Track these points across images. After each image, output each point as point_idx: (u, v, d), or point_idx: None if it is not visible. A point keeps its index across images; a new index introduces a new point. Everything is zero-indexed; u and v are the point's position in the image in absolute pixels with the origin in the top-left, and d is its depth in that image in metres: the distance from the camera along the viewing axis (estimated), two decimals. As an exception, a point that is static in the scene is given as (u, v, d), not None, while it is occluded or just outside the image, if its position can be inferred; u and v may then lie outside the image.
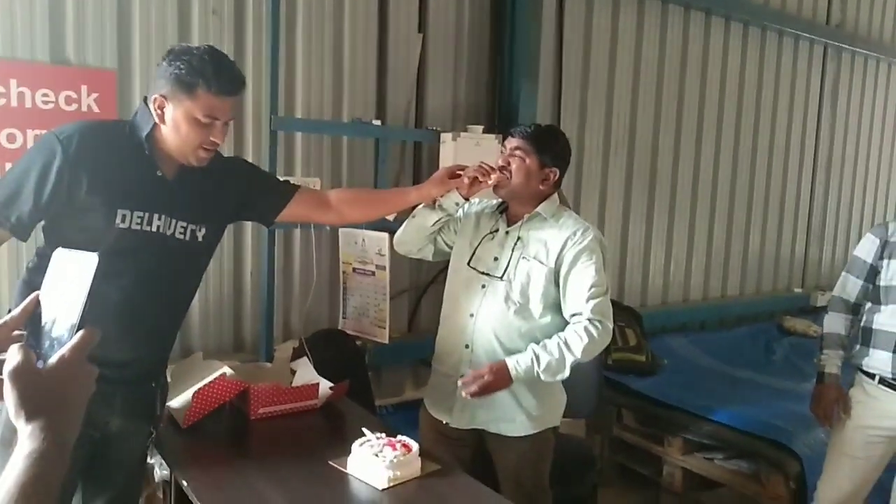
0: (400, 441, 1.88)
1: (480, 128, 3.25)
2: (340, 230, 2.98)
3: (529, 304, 2.09)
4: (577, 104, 3.86)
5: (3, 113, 2.40)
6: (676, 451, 3.24)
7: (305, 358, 2.48)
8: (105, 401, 1.71)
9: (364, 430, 1.90)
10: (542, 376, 2.01)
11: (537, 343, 2.03)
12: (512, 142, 2.13)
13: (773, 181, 4.98)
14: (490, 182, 2.09)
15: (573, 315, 2.05)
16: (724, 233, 4.76)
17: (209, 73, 1.64)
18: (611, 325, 2.05)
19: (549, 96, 3.70)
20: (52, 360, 0.77)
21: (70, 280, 0.85)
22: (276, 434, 2.09)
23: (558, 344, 2.01)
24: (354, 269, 3.06)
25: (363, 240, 2.99)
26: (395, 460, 1.77)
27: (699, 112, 4.45)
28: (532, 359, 2.00)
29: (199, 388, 2.09)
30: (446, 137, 3.15)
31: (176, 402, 2.10)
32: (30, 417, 0.73)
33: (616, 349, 3.58)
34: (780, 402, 3.37)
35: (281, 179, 2.15)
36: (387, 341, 2.98)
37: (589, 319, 2.01)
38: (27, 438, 0.71)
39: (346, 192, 2.24)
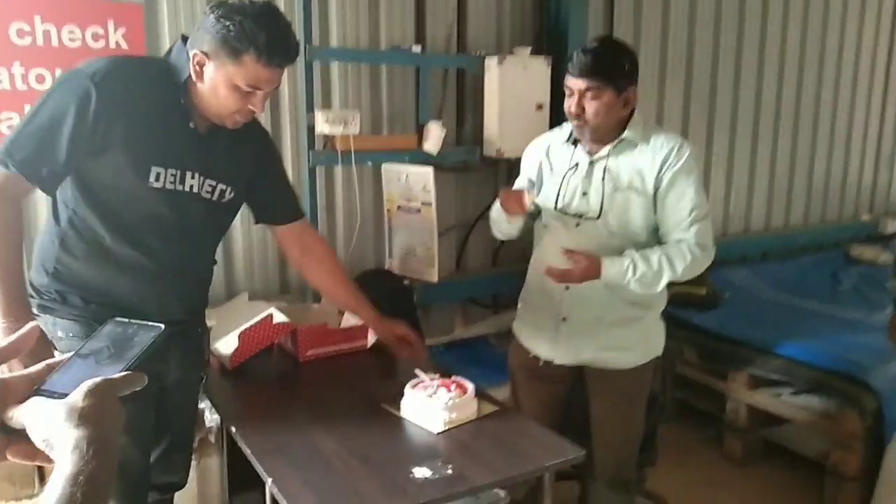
0: (454, 381, 1.78)
1: (527, 49, 3.04)
2: (384, 166, 2.85)
3: (631, 238, 1.94)
4: (631, 22, 3.59)
5: (30, 52, 2.30)
6: (741, 387, 3.09)
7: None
8: (161, 356, 1.65)
9: (417, 371, 1.81)
10: (633, 285, 1.89)
11: None
12: (578, 83, 1.88)
13: (840, 103, 4.62)
14: None
15: (677, 241, 1.92)
16: (788, 159, 4.47)
17: (261, 41, 1.45)
18: (713, 251, 1.94)
19: (599, 13, 3.45)
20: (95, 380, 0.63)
21: (116, 352, 0.70)
22: (326, 376, 2.01)
23: (659, 258, 1.88)
24: (399, 207, 2.94)
25: (406, 176, 2.86)
26: (450, 402, 1.67)
27: (762, 30, 4.12)
28: (629, 265, 1.87)
29: (246, 329, 2.02)
30: (491, 62, 2.95)
31: (222, 345, 2.03)
32: (81, 422, 0.60)
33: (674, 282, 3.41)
34: (852, 334, 3.18)
35: (295, 199, 1.94)
36: (436, 280, 2.87)
37: (697, 244, 1.89)
38: (71, 453, 0.58)
39: (324, 262, 1.94)
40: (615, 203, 1.92)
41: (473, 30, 3.14)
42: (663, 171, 1.89)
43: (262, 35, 1.45)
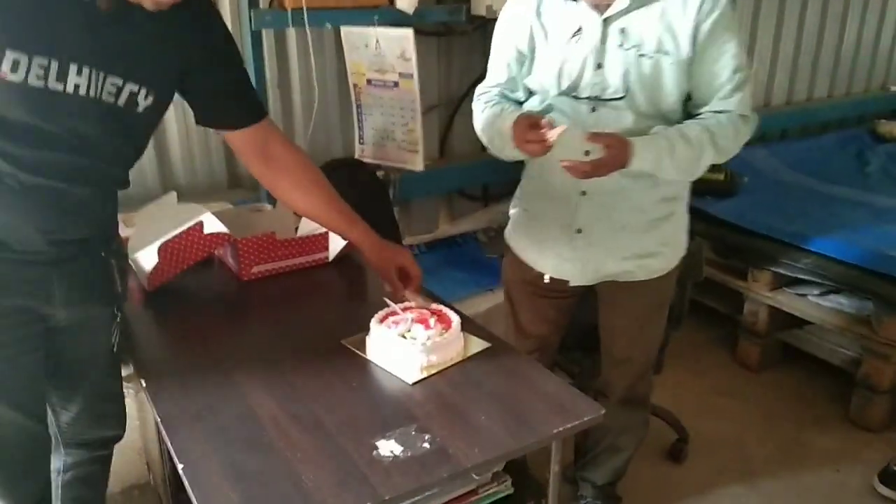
0: (435, 312, 1.38)
1: None
2: (343, 29, 2.31)
3: (666, 114, 1.51)
4: None
5: None
6: (763, 287, 2.74)
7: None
8: (38, 290, 1.24)
9: (386, 299, 1.41)
10: (668, 171, 1.49)
11: None
12: None
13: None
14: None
15: (716, 112, 1.50)
16: (817, 23, 3.91)
17: None
18: (756, 119, 1.54)
19: None
20: None
21: None
22: (274, 302, 1.61)
23: (700, 135, 1.46)
24: (370, 81, 2.43)
25: (376, 41, 2.33)
26: (429, 342, 1.28)
27: None
28: (665, 146, 1.45)
29: (168, 241, 1.59)
30: None
31: (142, 258, 1.60)
32: None
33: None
34: (888, 224, 2.79)
35: (252, 95, 1.43)
36: (421, 168, 2.43)
37: (739, 115, 1.49)
38: None
39: (294, 173, 1.46)
40: (643, 74, 1.46)
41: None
42: (700, 23, 1.43)
43: None
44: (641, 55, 1.45)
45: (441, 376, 1.27)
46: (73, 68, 1.12)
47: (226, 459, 1.05)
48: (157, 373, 1.29)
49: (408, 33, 2.23)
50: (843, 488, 2.22)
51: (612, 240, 1.61)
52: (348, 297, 1.70)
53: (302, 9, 2.12)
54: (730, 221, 2.86)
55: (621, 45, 1.46)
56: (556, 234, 1.65)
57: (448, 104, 2.85)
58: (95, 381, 1.46)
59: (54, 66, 1.10)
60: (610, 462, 2.00)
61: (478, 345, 1.37)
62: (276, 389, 1.23)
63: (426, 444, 1.09)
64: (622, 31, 1.46)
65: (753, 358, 2.84)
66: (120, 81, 1.18)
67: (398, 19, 2.29)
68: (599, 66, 1.48)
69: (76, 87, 1.13)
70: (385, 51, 2.32)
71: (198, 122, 1.41)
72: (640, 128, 1.48)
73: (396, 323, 1.33)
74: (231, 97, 1.38)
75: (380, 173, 2.58)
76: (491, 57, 1.67)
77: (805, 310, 2.65)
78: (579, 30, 1.49)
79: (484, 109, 1.63)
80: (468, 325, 1.39)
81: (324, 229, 1.72)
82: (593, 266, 1.65)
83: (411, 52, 2.26)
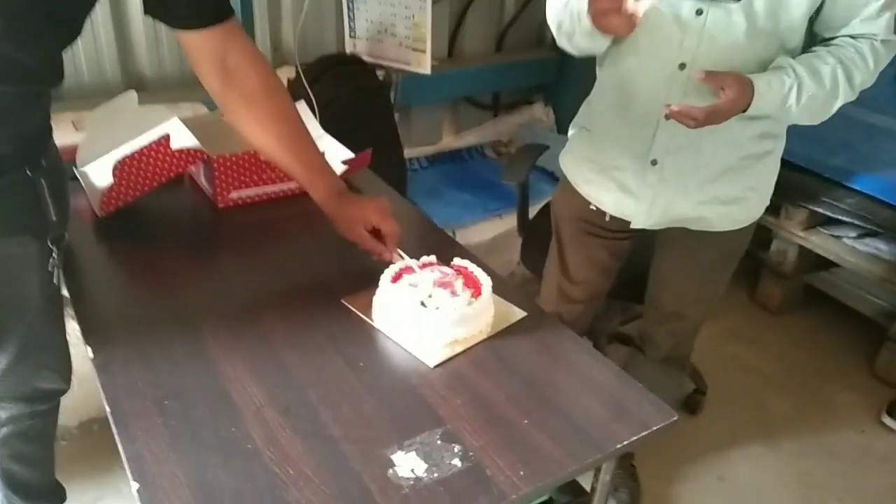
0: (460, 271, 1.11)
1: None
2: None
3: (786, 34, 1.20)
4: None
5: None
6: (796, 225, 2.49)
7: (303, 103, 1.61)
8: None
9: (399, 253, 1.13)
10: (793, 114, 1.22)
11: None
12: None
13: None
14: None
15: (855, 37, 1.20)
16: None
17: None
18: None
19: None
20: None
21: None
22: (256, 238, 1.32)
23: (834, 70, 1.18)
24: (369, -39, 2.05)
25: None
26: (456, 315, 1.01)
27: None
28: (792, 85, 1.17)
29: (126, 159, 1.28)
30: None
31: (92, 172, 1.29)
32: None
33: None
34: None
35: None
36: (429, 71, 2.09)
37: (882, 41, 1.20)
38: None
39: (254, 101, 1.14)
40: None
41: None
42: None
43: None
44: None
45: (467, 357, 1.02)
46: None
47: (195, 477, 0.80)
48: (107, 338, 1.01)
49: None
50: (868, 452, 2.07)
51: (692, 176, 1.33)
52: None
53: None
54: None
55: None
56: (625, 162, 1.37)
57: (460, -3, 2.47)
58: (27, 328, 1.17)
59: None
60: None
61: (509, 314, 1.10)
62: (261, 369, 0.97)
63: (457, 461, 0.84)
64: None
65: (774, 300, 2.64)
66: None
67: None
68: None
69: None
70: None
71: (146, 11, 1.07)
72: (752, 47, 1.18)
73: (414, 285, 1.05)
74: None
75: (379, 73, 2.23)
76: None
77: (840, 253, 2.42)
78: None
79: None
80: (498, 285, 1.12)
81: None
82: (662, 206, 1.37)
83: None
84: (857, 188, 2.38)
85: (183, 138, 1.33)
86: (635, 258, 1.59)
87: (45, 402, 1.35)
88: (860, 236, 2.42)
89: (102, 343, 1.00)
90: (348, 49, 2.21)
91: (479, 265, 1.13)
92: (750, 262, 2.70)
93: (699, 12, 1.18)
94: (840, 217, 2.39)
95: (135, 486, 0.78)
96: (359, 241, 1.17)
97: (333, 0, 2.22)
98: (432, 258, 1.13)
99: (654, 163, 1.34)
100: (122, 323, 1.05)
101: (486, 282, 1.08)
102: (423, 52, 2.10)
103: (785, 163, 2.56)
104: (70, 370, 1.33)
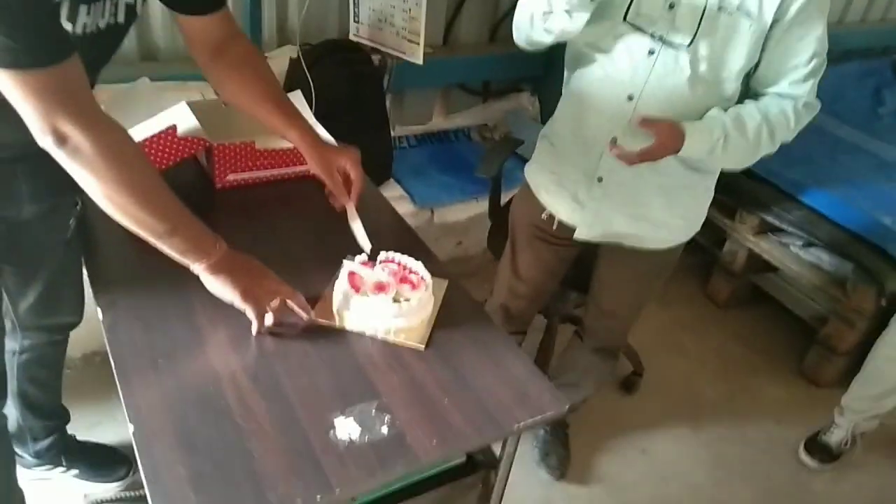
0: (401, 270, 1.31)
1: None
2: None
3: (723, 83, 1.39)
4: None
5: None
6: (748, 230, 2.71)
7: (299, 92, 1.80)
8: (2, 190, 1.20)
9: (350, 259, 1.33)
10: (718, 162, 1.47)
11: None
12: None
13: None
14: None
15: (782, 96, 1.40)
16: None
17: None
18: (819, 106, 1.45)
19: None
20: None
21: None
22: (248, 217, 1.53)
23: (759, 127, 1.38)
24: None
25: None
26: (395, 308, 1.23)
27: None
28: (720, 137, 1.37)
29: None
30: None
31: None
32: None
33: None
34: (890, 183, 2.72)
35: None
36: (421, 61, 2.26)
37: (805, 104, 1.41)
38: None
39: (244, 60, 1.37)
40: (717, 28, 1.33)
41: None
42: None
43: None
44: (722, 9, 1.32)
45: (409, 343, 1.24)
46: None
47: (178, 424, 1.03)
48: (114, 300, 1.23)
49: None
50: (779, 443, 2.33)
51: (630, 195, 1.54)
52: (333, 214, 1.60)
53: None
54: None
55: None
56: (578, 177, 1.58)
57: (459, -14, 2.61)
58: (53, 268, 1.44)
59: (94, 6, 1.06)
60: (566, 395, 2.04)
61: (439, 288, 1.32)
62: (239, 338, 1.19)
63: (385, 429, 1.07)
64: None
65: (723, 295, 2.87)
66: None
67: None
68: (672, 6, 1.34)
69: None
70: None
71: None
72: (693, 91, 1.38)
73: (384, 288, 1.26)
74: None
75: (376, 58, 2.40)
76: None
77: (784, 260, 2.64)
78: None
79: None
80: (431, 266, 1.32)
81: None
82: (603, 221, 1.59)
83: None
84: (806, 202, 2.58)
85: (188, 123, 1.52)
86: (585, 258, 1.81)
87: (62, 332, 1.61)
88: (805, 245, 2.63)
89: (109, 305, 1.22)
90: (352, 32, 2.37)
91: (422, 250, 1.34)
92: (705, 257, 2.93)
93: (651, 52, 1.37)
94: (785, 227, 2.59)
95: (131, 427, 1.01)
96: (330, 179, 1.37)
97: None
98: (391, 254, 1.34)
99: (599, 179, 1.54)
100: (125, 285, 1.27)
101: (424, 277, 1.28)
102: (417, 44, 2.26)
103: (745, 171, 2.77)
104: (83, 305, 1.57)
